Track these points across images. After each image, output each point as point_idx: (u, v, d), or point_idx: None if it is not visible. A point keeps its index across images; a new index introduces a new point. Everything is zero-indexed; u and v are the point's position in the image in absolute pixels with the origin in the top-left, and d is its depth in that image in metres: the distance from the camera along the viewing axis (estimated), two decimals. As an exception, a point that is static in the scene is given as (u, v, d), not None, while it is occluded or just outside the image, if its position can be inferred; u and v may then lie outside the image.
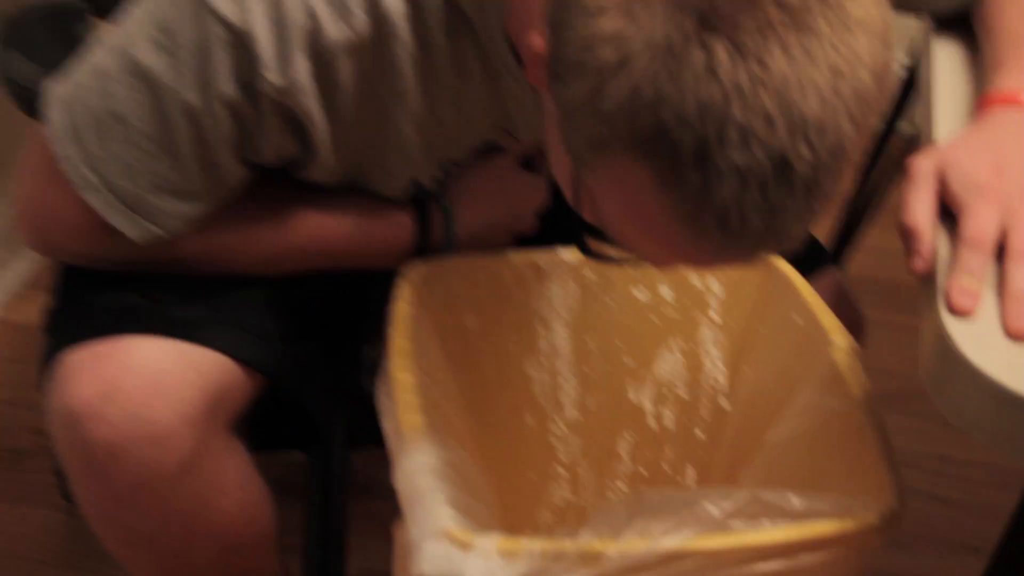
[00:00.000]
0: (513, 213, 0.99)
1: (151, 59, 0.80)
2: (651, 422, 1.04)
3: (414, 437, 0.77)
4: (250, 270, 0.92)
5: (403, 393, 0.81)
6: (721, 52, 0.58)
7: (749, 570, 0.73)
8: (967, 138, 0.74)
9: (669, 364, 1.03)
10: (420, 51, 0.83)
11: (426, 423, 0.79)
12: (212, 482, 0.89)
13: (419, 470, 0.75)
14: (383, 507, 0.89)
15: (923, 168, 0.72)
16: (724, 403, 1.04)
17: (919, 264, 0.70)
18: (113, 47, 0.82)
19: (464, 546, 0.70)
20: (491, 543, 0.70)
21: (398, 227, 0.94)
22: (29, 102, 1.03)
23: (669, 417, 1.05)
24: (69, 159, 0.83)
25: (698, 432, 1.05)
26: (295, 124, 0.83)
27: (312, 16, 0.78)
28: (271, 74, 0.79)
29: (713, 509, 0.73)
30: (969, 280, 0.65)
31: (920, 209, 0.71)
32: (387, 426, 0.81)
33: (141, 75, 0.80)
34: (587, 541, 0.71)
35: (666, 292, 1.01)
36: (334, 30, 0.78)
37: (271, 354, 0.91)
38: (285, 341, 0.93)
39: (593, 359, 1.01)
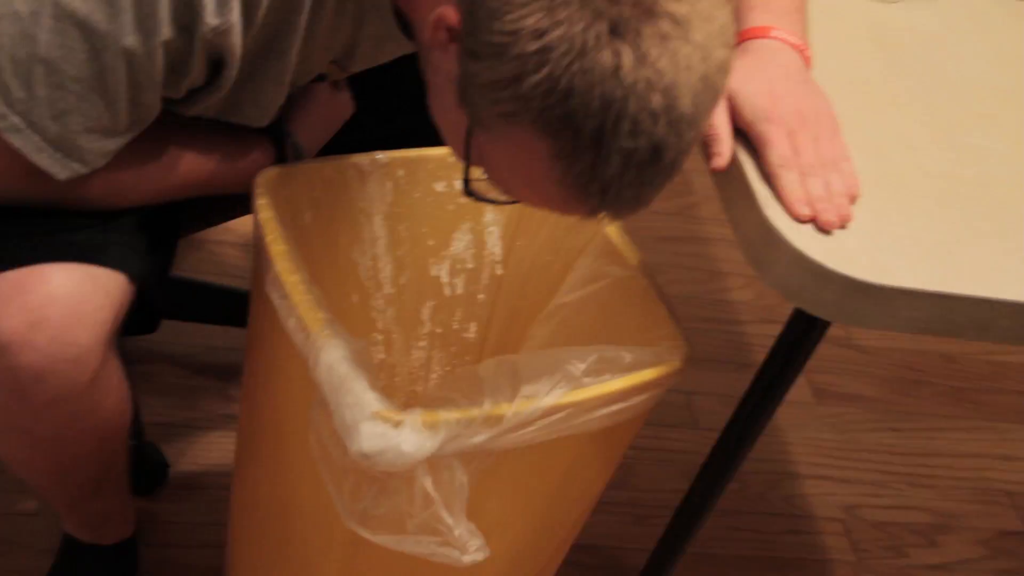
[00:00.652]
0: (334, 128, 1.13)
1: (83, 5, 0.80)
2: (447, 290, 1.23)
3: (323, 332, 0.90)
4: (137, 203, 0.99)
5: (298, 293, 0.93)
6: (626, 57, 0.72)
7: (601, 413, 0.94)
8: (742, 68, 0.93)
9: (462, 243, 1.21)
10: None
11: (327, 318, 0.92)
12: (106, 386, 0.98)
13: (337, 361, 0.88)
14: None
15: None
16: (499, 270, 1.24)
17: (719, 161, 0.90)
18: None
19: (396, 424, 0.86)
20: (416, 418, 0.86)
21: (260, 161, 1.04)
22: None
23: (459, 285, 1.23)
24: None
25: (480, 296, 1.25)
26: (215, 60, 0.87)
27: None
28: (211, 17, 0.82)
29: (574, 369, 0.94)
30: (798, 192, 0.86)
31: (718, 120, 0.91)
32: (289, 325, 0.93)
33: (72, 21, 0.80)
34: (490, 407, 0.89)
35: (459, 183, 1.18)
36: None
37: (147, 266, 0.99)
38: (151, 252, 1.01)
39: (404, 243, 1.17)
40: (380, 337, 1.21)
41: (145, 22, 0.81)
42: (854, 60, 1.09)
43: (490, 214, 1.21)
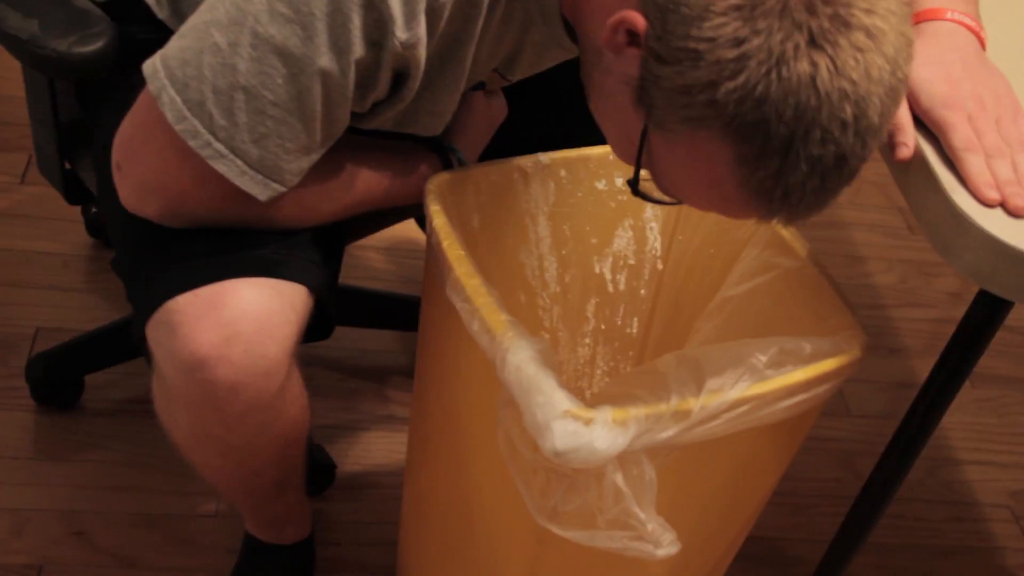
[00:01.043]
0: (491, 133, 1.16)
1: (279, 32, 0.83)
2: (609, 287, 1.24)
3: (508, 334, 0.92)
4: (320, 222, 1.02)
5: (480, 297, 0.95)
6: (823, 68, 0.74)
7: (784, 404, 0.95)
8: (918, 52, 0.90)
9: (623, 240, 1.22)
10: None
11: (509, 319, 0.94)
12: (291, 395, 1.02)
13: (524, 362, 0.90)
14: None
15: None
16: (660, 265, 1.25)
17: (905, 152, 0.90)
18: (227, 24, 0.85)
19: (587, 421, 0.87)
20: (607, 415, 0.87)
21: (428, 174, 1.07)
22: (23, 52, 1.06)
23: (622, 281, 1.24)
24: (197, 135, 0.87)
25: (642, 291, 1.26)
26: (399, 73, 0.90)
27: None
28: (400, 31, 0.84)
29: (757, 361, 0.94)
30: (985, 175, 0.86)
31: (900, 111, 0.92)
32: (473, 328, 0.95)
33: (270, 48, 0.84)
34: (677, 402, 0.90)
35: (619, 181, 1.19)
36: None
37: (323, 277, 1.03)
38: (325, 263, 1.05)
39: (568, 242, 1.18)
40: (547, 335, 1.22)
41: (338, 42, 0.84)
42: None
43: (650, 210, 1.21)
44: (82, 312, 1.65)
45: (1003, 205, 0.85)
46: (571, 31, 0.95)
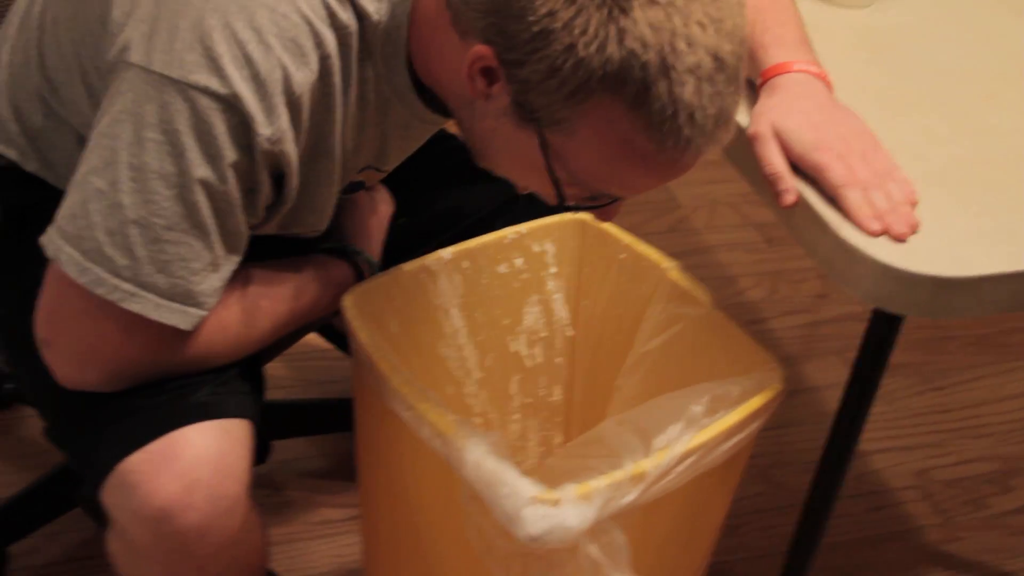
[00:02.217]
0: (386, 226, 1.21)
1: (152, 157, 0.86)
2: (527, 362, 1.29)
3: (459, 433, 0.96)
4: (255, 350, 1.04)
5: (423, 403, 0.99)
6: None
7: (726, 447, 1.01)
8: (778, 105, 1.01)
9: (532, 315, 1.27)
10: (343, 82, 0.93)
11: (457, 419, 0.98)
12: (250, 523, 1.03)
13: (483, 457, 0.94)
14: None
15: (763, 130, 1.00)
16: (569, 332, 1.31)
17: (789, 198, 0.97)
18: (102, 168, 0.87)
19: (555, 503, 0.92)
20: (571, 492, 0.92)
21: (345, 283, 1.11)
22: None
23: (538, 355, 1.29)
24: (102, 282, 0.89)
25: (557, 359, 1.31)
26: (277, 172, 0.92)
27: (282, 66, 0.87)
28: (263, 128, 0.87)
29: (694, 411, 1.00)
30: (865, 208, 0.94)
31: (775, 160, 0.99)
32: (423, 433, 0.99)
33: (148, 175, 0.86)
34: (632, 466, 0.95)
35: (519, 262, 1.24)
36: (299, 76, 0.88)
37: (257, 405, 1.04)
38: (255, 391, 1.06)
39: (482, 328, 1.23)
40: (479, 420, 1.27)
41: (209, 150, 0.86)
42: (854, 69, 1.16)
43: (552, 283, 1.27)
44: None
45: (887, 232, 0.93)
46: (429, 99, 0.99)
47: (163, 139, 0.86)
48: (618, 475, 0.94)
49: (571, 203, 0.93)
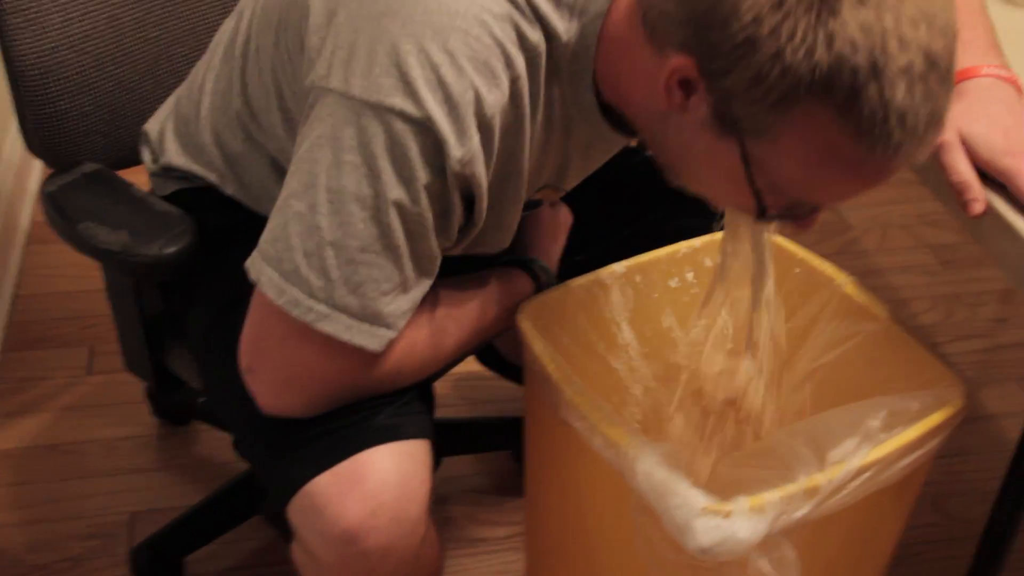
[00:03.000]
0: (563, 240, 1.22)
1: (349, 180, 0.88)
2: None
3: (631, 444, 0.96)
4: (444, 365, 1.07)
5: (596, 413, 0.99)
6: None
7: (902, 464, 0.98)
8: (966, 111, 0.97)
9: (697, 327, 1.26)
10: (531, 102, 0.94)
11: (627, 430, 0.98)
12: (427, 540, 1.05)
13: (654, 467, 0.94)
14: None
15: (949, 137, 0.96)
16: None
17: (978, 207, 0.94)
18: (302, 191, 0.90)
19: (727, 514, 0.91)
20: (743, 505, 0.91)
21: (525, 294, 1.12)
22: (118, 263, 1.12)
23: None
24: (298, 303, 0.91)
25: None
26: (468, 193, 0.93)
27: (474, 88, 0.87)
28: (455, 149, 0.88)
29: (870, 425, 0.98)
30: None
31: (963, 167, 0.95)
32: (595, 443, 0.99)
33: (345, 198, 0.88)
34: (804, 479, 0.93)
35: (690, 276, 1.24)
36: (491, 98, 0.88)
37: (433, 425, 1.06)
38: (429, 412, 1.08)
39: (651, 341, 1.22)
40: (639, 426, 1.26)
41: (403, 172, 0.88)
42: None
43: (720, 298, 1.26)
44: (170, 490, 1.69)
45: None
46: (613, 119, 0.99)
47: (360, 162, 0.88)
48: (791, 488, 0.93)
49: (771, 213, 0.90)
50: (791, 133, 0.82)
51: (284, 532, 1.06)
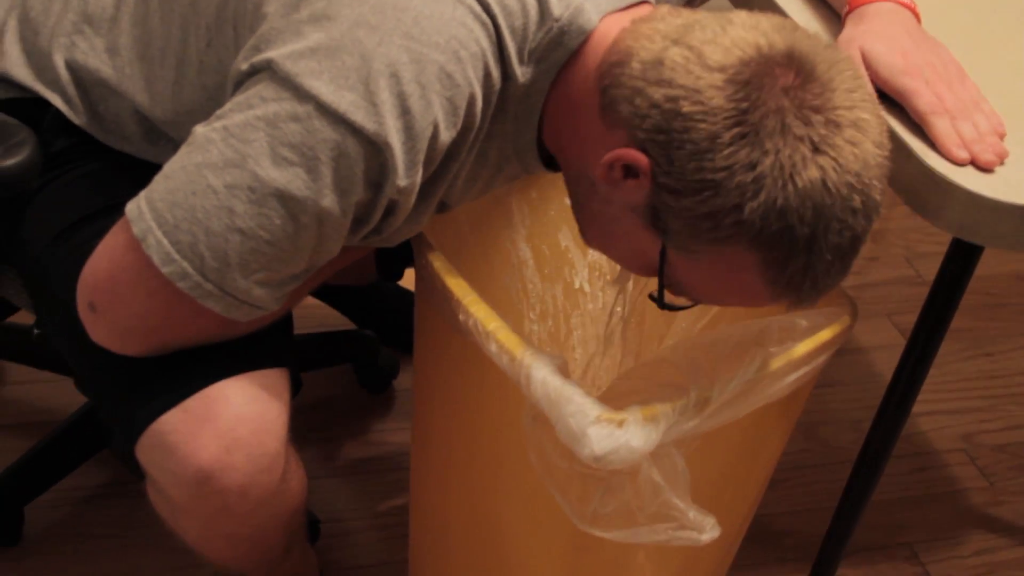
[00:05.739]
0: None
1: (281, 175, 0.83)
2: (589, 299, 1.28)
3: (526, 353, 0.95)
4: (297, 303, 1.03)
5: (491, 322, 0.98)
6: (830, 170, 0.81)
7: (790, 379, 1.00)
8: (867, 31, 0.99)
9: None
10: (474, 138, 0.92)
11: (523, 339, 0.97)
12: (290, 472, 1.01)
13: (549, 376, 0.93)
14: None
15: (851, 55, 0.97)
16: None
17: None
18: (223, 166, 0.84)
19: (620, 423, 0.91)
20: (637, 415, 0.91)
21: None
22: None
23: (599, 291, 1.29)
24: (186, 276, 0.86)
25: (618, 296, 1.31)
26: (389, 211, 0.91)
27: (435, 124, 0.86)
28: (400, 179, 0.86)
29: (761, 340, 0.99)
30: (953, 137, 0.93)
31: None
32: (491, 351, 0.98)
33: (271, 191, 0.84)
34: (696, 391, 0.94)
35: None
36: (445, 136, 0.87)
37: (290, 350, 1.03)
38: (286, 335, 1.05)
39: (548, 261, 1.22)
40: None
41: (342, 184, 0.85)
42: (939, 5, 1.13)
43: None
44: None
45: (974, 162, 0.91)
46: (547, 158, 0.98)
47: (300, 161, 0.84)
48: (683, 400, 0.94)
49: (668, 303, 0.94)
50: (713, 260, 0.87)
51: (134, 470, 1.01)
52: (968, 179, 0.90)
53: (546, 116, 0.94)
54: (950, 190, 0.90)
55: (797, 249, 0.83)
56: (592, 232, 0.97)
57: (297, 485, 1.05)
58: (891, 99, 0.98)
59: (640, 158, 0.84)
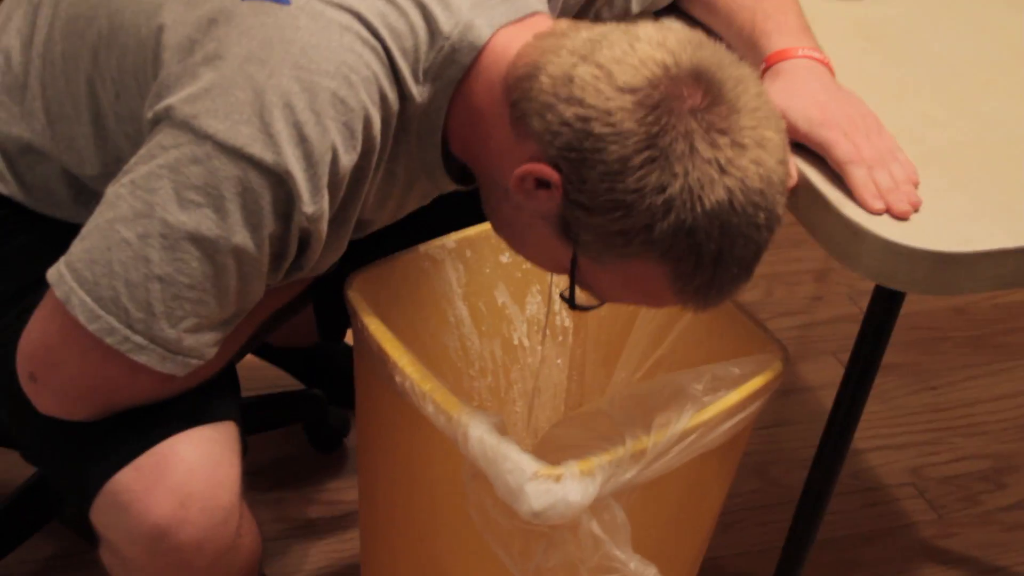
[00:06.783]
0: None
1: (190, 218, 0.84)
2: (529, 352, 1.29)
3: (464, 412, 0.96)
4: (234, 355, 1.05)
5: (426, 383, 0.99)
6: (737, 191, 0.84)
7: (726, 427, 1.02)
8: (784, 88, 1.01)
9: (534, 305, 1.28)
10: (378, 160, 0.93)
11: (459, 400, 0.98)
12: (243, 527, 1.01)
13: (486, 434, 0.95)
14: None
15: None
16: (567, 323, 1.32)
17: (790, 181, 0.95)
18: (132, 218, 0.85)
19: (557, 478, 0.92)
20: (573, 469, 0.93)
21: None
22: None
23: (539, 344, 1.30)
24: (113, 331, 0.87)
25: (559, 348, 1.32)
26: (304, 241, 0.92)
27: (333, 149, 0.86)
28: (307, 207, 0.87)
29: (695, 390, 1.01)
30: (870, 187, 0.95)
31: None
32: (428, 411, 0.99)
33: (182, 235, 0.85)
34: (632, 442, 0.96)
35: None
36: (346, 159, 0.88)
37: (238, 404, 1.04)
38: (233, 390, 1.06)
39: (485, 318, 1.23)
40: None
41: (251, 219, 0.86)
42: (852, 58, 1.16)
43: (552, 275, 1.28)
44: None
45: (889, 211, 0.94)
46: (456, 172, 1.00)
47: (206, 201, 0.85)
48: (619, 451, 0.95)
49: (582, 304, 0.97)
50: (623, 271, 0.90)
51: (88, 537, 1.01)
52: (883, 228, 0.92)
53: (451, 131, 0.95)
54: (867, 238, 0.93)
55: (704, 263, 0.86)
56: (505, 234, 0.99)
57: (251, 542, 1.06)
58: (810, 150, 1.00)
59: (552, 174, 0.86)
